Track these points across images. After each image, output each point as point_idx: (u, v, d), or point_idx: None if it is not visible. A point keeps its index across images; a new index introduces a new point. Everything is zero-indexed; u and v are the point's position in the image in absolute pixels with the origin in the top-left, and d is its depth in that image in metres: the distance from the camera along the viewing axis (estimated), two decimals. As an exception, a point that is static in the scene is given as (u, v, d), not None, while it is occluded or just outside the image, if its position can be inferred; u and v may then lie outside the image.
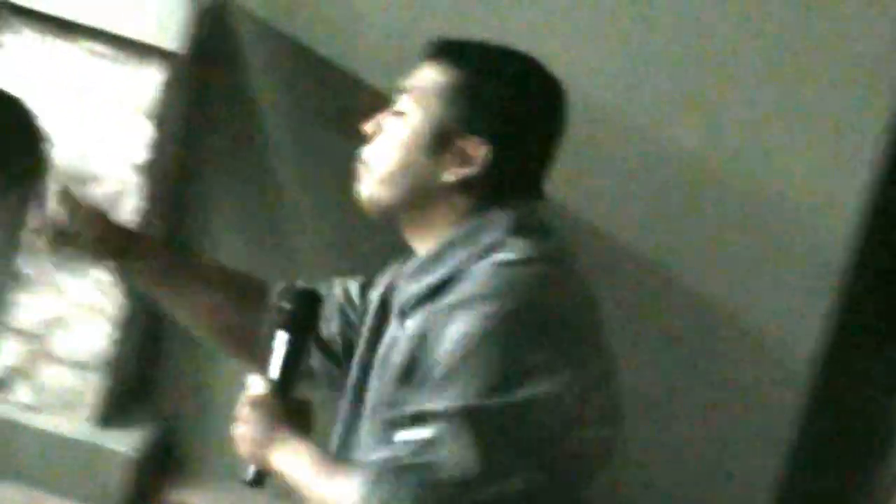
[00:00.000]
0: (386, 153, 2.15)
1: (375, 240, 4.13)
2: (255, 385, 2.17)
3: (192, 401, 4.38)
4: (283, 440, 2.11)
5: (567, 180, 3.75)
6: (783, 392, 4.03)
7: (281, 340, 2.18)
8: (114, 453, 4.01)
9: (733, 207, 3.96)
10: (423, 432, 1.88)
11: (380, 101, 4.01)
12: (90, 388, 4.05)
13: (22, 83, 3.85)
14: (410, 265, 2.18)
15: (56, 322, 4.01)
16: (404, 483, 1.87)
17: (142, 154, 3.90)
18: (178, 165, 4.18)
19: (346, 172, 4.09)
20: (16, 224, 3.85)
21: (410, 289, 2.13)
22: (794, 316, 3.96)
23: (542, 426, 1.91)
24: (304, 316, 2.22)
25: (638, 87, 4.01)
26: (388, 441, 1.94)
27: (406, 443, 1.90)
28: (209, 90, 4.18)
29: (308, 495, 2.06)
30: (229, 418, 4.35)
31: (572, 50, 3.97)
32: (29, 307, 4.00)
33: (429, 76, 2.15)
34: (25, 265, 3.96)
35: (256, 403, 2.15)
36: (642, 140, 4.05)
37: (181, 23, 3.79)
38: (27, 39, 3.85)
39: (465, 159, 2.10)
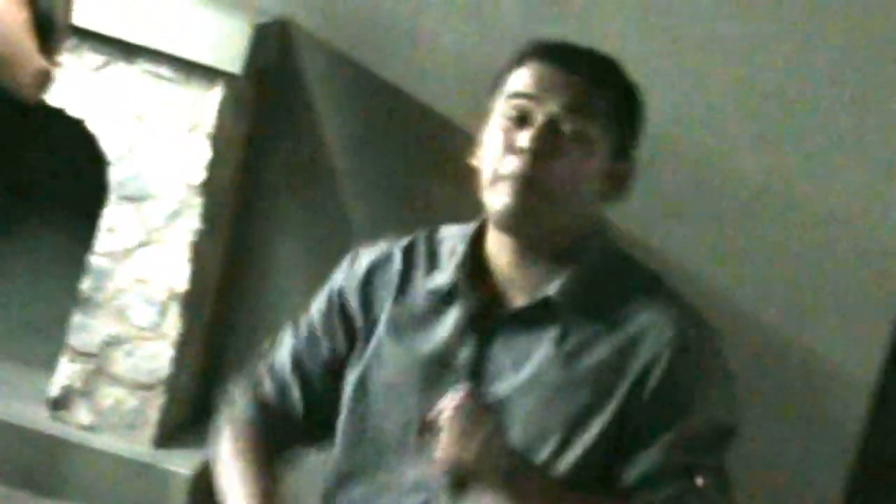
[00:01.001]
0: (570, 179, 2.02)
1: None
2: (452, 398, 2.01)
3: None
4: (521, 465, 2.00)
5: (634, 210, 3.73)
6: (844, 418, 4.00)
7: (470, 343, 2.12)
8: (173, 474, 3.99)
9: (794, 235, 3.96)
10: (698, 481, 1.98)
11: (436, 125, 4.05)
12: (150, 408, 4.05)
13: (83, 105, 3.92)
14: (557, 287, 2.04)
15: (116, 343, 4.03)
16: None
17: (200, 174, 3.93)
18: (237, 186, 4.22)
19: (403, 194, 4.11)
20: (78, 247, 4.02)
21: (569, 304, 2.04)
22: (855, 343, 3.93)
23: None
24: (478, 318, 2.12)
25: (702, 116, 4.03)
26: (667, 478, 1.97)
27: (687, 482, 1.97)
28: (268, 111, 4.20)
29: None
30: None
31: (637, 76, 3.96)
32: (89, 328, 4.02)
33: (593, 96, 2.04)
34: (86, 287, 4.01)
35: (473, 417, 1.98)
36: (705, 167, 4.07)
37: (240, 44, 3.82)
38: (89, 61, 3.90)
39: (617, 182, 2.08)
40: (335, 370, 2.21)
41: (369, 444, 2.12)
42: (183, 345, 4.02)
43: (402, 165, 4.20)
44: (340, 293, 2.26)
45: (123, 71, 3.89)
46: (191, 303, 4.01)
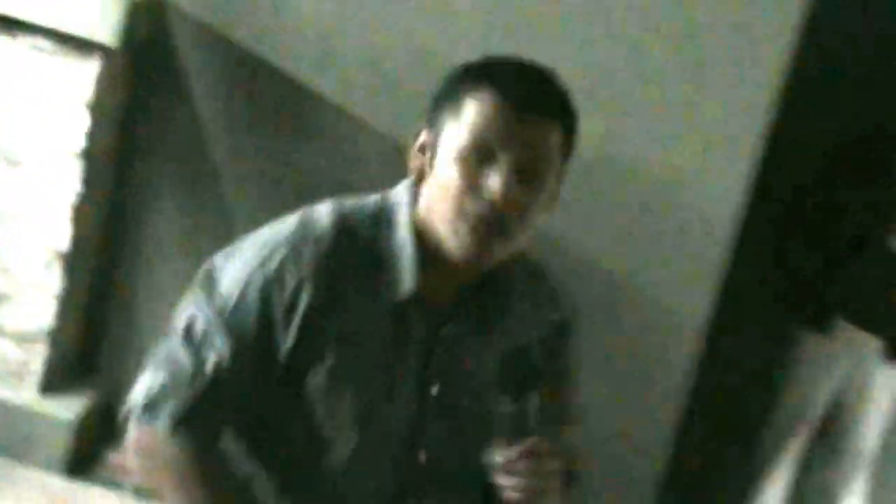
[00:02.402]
0: (528, 218, 2.07)
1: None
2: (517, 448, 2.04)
3: (132, 370, 4.38)
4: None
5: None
6: (677, 354, 4.16)
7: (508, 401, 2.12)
8: (58, 420, 4.05)
9: (633, 193, 4.06)
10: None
11: (303, 97, 4.11)
12: (34, 359, 4.09)
13: None
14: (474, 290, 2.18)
15: (2, 298, 4.06)
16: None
17: (80, 142, 3.96)
18: (114, 153, 4.23)
19: (270, 161, 4.17)
20: None
21: (480, 306, 2.18)
22: (687, 287, 4.07)
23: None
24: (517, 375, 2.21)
25: None
26: None
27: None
28: (144, 82, 4.22)
29: None
30: None
31: (468, 46, 4.04)
32: None
33: (546, 138, 2.08)
34: None
35: (539, 451, 2.04)
36: None
37: (117, 19, 3.83)
38: None
39: (553, 200, 2.15)
40: (271, 361, 2.14)
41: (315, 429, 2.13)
42: (65, 300, 4.07)
43: (269, 135, 4.25)
44: (280, 287, 2.15)
45: (5, 44, 3.90)
46: (72, 261, 4.05)
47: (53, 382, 4.16)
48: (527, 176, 2.03)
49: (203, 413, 2.13)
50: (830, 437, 4.83)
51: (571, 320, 2.28)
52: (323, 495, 2.18)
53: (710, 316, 4.17)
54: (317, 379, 2.12)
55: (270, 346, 2.12)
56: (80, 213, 4.04)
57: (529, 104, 2.05)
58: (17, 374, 4.09)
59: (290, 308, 2.11)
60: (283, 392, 2.15)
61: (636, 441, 4.17)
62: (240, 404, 2.17)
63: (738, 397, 4.93)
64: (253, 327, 2.13)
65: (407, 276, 2.10)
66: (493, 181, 2.01)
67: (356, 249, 2.15)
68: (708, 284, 4.16)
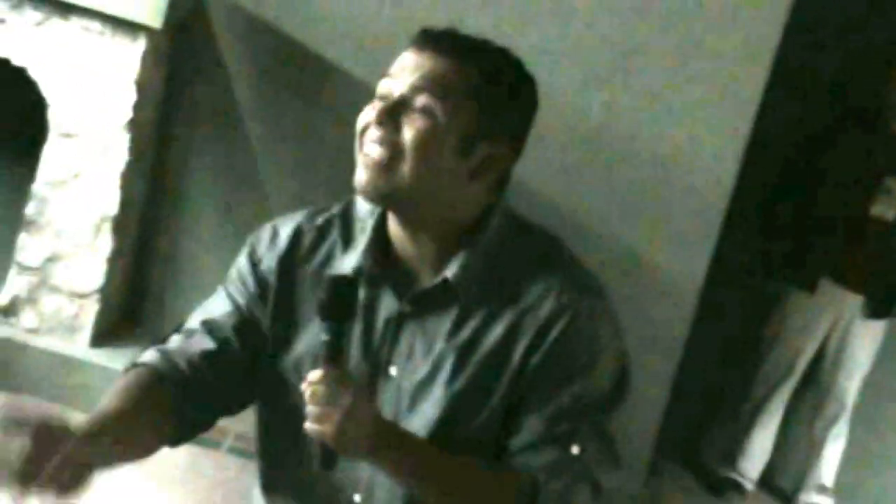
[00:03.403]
0: (412, 151, 1.86)
1: (337, 187, 4.37)
2: (329, 373, 1.82)
3: (174, 324, 4.52)
4: (391, 429, 1.89)
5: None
6: (675, 313, 4.26)
7: (323, 329, 1.86)
8: (106, 370, 4.15)
9: (633, 165, 4.14)
10: (575, 446, 1.93)
11: (330, 74, 4.23)
12: (85, 314, 4.21)
13: (26, 55, 4.06)
14: (454, 271, 1.93)
15: (56, 259, 4.19)
16: (575, 485, 1.92)
17: (126, 114, 4.08)
18: (158, 125, 4.35)
19: (300, 133, 4.31)
20: (22, 177, 4.21)
21: (464, 292, 1.94)
22: (684, 251, 4.17)
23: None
24: (336, 302, 1.86)
25: (542, 59, 4.07)
26: (546, 446, 1.91)
27: (564, 450, 1.92)
28: (184, 59, 4.32)
29: (450, 486, 1.93)
30: None
31: (470, 19, 4.10)
32: (33, 246, 4.18)
33: (447, 75, 1.89)
34: (30, 211, 4.15)
35: (339, 383, 1.80)
36: (549, 105, 4.23)
37: (160, 3, 3.95)
38: (30, 17, 4.02)
39: (489, 162, 1.91)
40: (244, 333, 2.03)
41: (291, 420, 1.92)
42: (113, 260, 4.21)
43: (298, 108, 4.33)
44: (256, 264, 2.07)
45: (60, 26, 4.02)
46: (120, 224, 4.18)
47: (103, 335, 4.28)
48: (414, 110, 1.87)
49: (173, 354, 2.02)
50: (815, 387, 5.01)
51: (564, 317, 1.91)
52: (303, 489, 2.06)
53: (705, 277, 4.27)
54: (286, 364, 2.03)
55: (255, 319, 2.05)
56: (127, 181, 4.16)
57: (431, 44, 1.92)
58: (70, 328, 4.21)
59: (264, 287, 2.05)
60: (264, 376, 2.06)
61: (637, 394, 4.33)
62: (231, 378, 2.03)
63: (730, 351, 5.06)
64: (239, 299, 2.07)
65: (359, 252, 2.00)
66: (371, 111, 1.90)
67: (333, 232, 2.07)
68: (703, 249, 4.25)
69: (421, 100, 1.87)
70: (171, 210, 4.49)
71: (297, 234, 2.06)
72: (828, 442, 5.00)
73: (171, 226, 4.50)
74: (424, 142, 1.86)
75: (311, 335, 1.99)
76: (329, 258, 2.03)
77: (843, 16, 4.92)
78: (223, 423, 4.01)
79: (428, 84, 1.88)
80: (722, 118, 4.17)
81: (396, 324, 1.96)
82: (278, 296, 2.03)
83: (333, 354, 1.83)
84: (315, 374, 1.80)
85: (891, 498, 5.29)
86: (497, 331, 1.92)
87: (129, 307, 4.52)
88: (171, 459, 3.90)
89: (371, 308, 1.98)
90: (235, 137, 4.39)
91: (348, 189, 4.55)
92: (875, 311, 4.83)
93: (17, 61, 4.07)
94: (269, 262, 2.05)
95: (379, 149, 1.87)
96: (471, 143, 1.89)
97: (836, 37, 4.93)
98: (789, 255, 4.84)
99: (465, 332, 1.93)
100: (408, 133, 1.86)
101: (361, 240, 2.00)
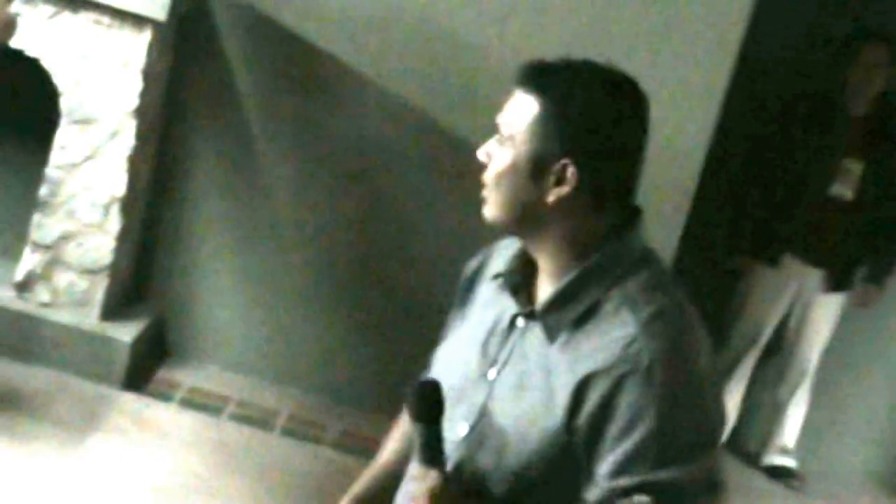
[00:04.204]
0: (496, 180, 1.93)
1: (333, 171, 4.47)
2: (428, 476, 1.89)
3: (179, 299, 4.64)
4: None
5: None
6: None
7: (418, 431, 1.92)
8: (116, 341, 4.27)
9: None
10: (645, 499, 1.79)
11: (323, 63, 4.34)
12: (96, 289, 4.29)
13: (39, 47, 4.13)
14: (548, 294, 1.93)
15: (68, 237, 4.26)
16: None
17: (133, 102, 4.16)
18: (163, 111, 4.43)
19: (298, 119, 4.42)
20: (36, 161, 4.29)
21: (553, 318, 1.91)
22: (657, 228, 4.08)
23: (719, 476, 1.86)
24: (424, 412, 1.92)
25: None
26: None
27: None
28: (187, 50, 4.41)
29: None
30: (209, 314, 4.55)
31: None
32: (47, 226, 4.26)
33: (521, 107, 1.91)
34: (44, 193, 4.23)
35: (435, 493, 1.88)
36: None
37: None
38: (43, 11, 4.10)
39: (560, 180, 1.88)
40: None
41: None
42: (122, 238, 4.29)
43: (293, 95, 4.43)
44: (462, 283, 2.18)
45: (71, 19, 4.10)
46: (127, 205, 4.27)
47: (112, 309, 4.36)
48: (500, 140, 1.94)
49: None
50: (779, 355, 5.16)
51: (637, 375, 1.81)
52: None
53: (676, 253, 4.37)
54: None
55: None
56: (134, 164, 4.24)
57: (517, 78, 1.96)
58: (82, 303, 4.29)
59: (461, 302, 2.16)
60: None
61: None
62: None
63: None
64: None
65: (508, 259, 2.04)
66: None
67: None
68: (674, 227, 4.36)
69: (499, 135, 1.94)
70: (175, 191, 4.56)
71: (493, 249, 2.15)
72: (790, 407, 5.13)
73: (176, 206, 4.58)
74: (497, 174, 1.93)
75: (461, 331, 2.10)
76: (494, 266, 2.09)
77: (805, 3, 5.02)
78: (274, 405, 4.14)
79: (505, 118, 1.94)
80: (691, 104, 4.27)
81: (507, 330, 1.98)
82: (464, 307, 2.14)
83: (429, 456, 1.90)
84: (418, 472, 1.91)
85: (848, 458, 5.43)
86: (563, 366, 1.88)
87: (137, 283, 4.61)
88: (218, 440, 4.17)
89: (500, 310, 2.01)
90: (236, 123, 4.47)
91: (340, 173, 4.66)
92: (835, 284, 4.97)
93: (31, 52, 4.13)
94: (463, 277, 2.19)
95: (483, 181, 1.96)
96: (542, 166, 1.89)
97: (797, 24, 5.02)
98: (755, 232, 4.95)
99: (541, 356, 1.91)
100: (489, 169, 1.95)
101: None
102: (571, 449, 1.84)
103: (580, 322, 1.88)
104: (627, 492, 1.78)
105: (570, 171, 1.87)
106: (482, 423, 1.95)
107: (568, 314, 1.90)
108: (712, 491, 1.83)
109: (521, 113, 1.92)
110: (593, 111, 1.90)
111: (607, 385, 1.81)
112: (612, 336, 1.84)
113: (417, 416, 1.92)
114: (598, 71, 1.96)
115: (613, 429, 1.80)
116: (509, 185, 1.92)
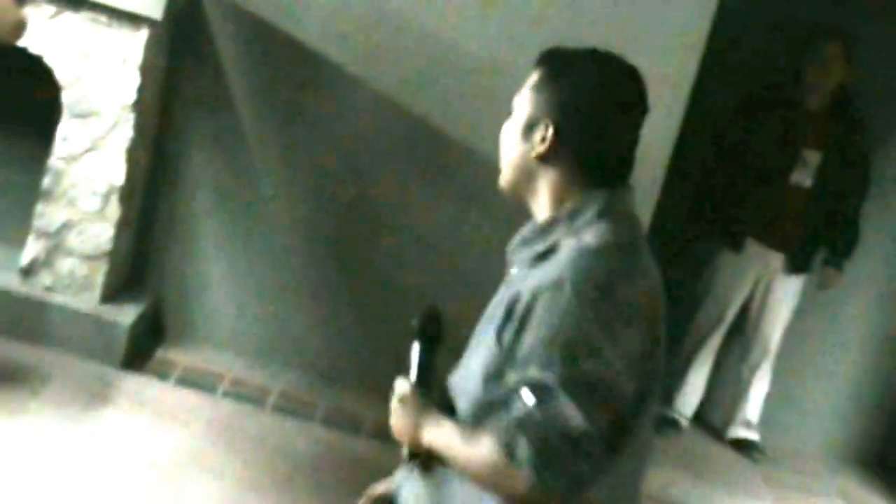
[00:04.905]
0: (503, 148, 2.07)
1: (321, 162, 4.52)
2: (400, 386, 2.09)
3: (175, 283, 4.70)
4: (429, 423, 2.04)
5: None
6: None
7: (414, 350, 2.12)
8: (115, 323, 4.31)
9: None
10: (536, 398, 1.86)
11: (311, 59, 4.37)
12: (96, 274, 4.34)
13: (42, 44, 4.18)
14: (527, 231, 2.06)
15: (70, 225, 4.31)
16: (537, 437, 1.85)
17: (131, 96, 4.21)
18: (159, 105, 4.48)
19: (286, 109, 4.47)
20: (39, 153, 4.34)
21: (523, 254, 2.04)
22: None
23: (611, 393, 1.88)
24: (427, 328, 2.13)
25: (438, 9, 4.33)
26: (512, 403, 1.88)
27: (530, 406, 1.86)
28: (181, 48, 4.46)
29: (460, 459, 1.98)
30: (203, 297, 4.60)
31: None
32: (50, 214, 4.31)
33: (528, 81, 2.06)
34: (47, 183, 4.27)
35: (402, 399, 2.07)
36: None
37: None
38: (45, 11, 4.15)
39: (543, 139, 1.99)
40: None
41: None
42: (121, 226, 4.34)
43: (282, 90, 4.49)
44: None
45: (71, 18, 4.14)
46: (126, 194, 4.32)
47: (112, 293, 4.42)
48: (510, 115, 2.08)
49: None
50: (742, 334, 5.24)
51: (552, 291, 1.90)
52: None
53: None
54: None
55: None
56: (132, 155, 4.29)
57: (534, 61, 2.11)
58: (83, 287, 4.34)
59: None
60: None
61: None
62: None
63: (667, 303, 5.21)
64: None
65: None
66: None
67: None
68: (644, 212, 4.30)
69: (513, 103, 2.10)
70: (171, 182, 4.61)
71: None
72: (753, 383, 5.22)
73: (171, 196, 4.62)
74: (503, 137, 2.08)
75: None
76: None
77: (766, 3, 5.10)
78: (266, 383, 4.13)
79: (518, 95, 2.09)
80: (658, 99, 4.15)
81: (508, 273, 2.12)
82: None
83: (420, 377, 2.11)
84: (403, 389, 2.09)
85: (806, 431, 5.52)
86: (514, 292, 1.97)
87: (135, 268, 4.65)
88: (212, 417, 4.18)
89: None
90: (228, 116, 4.52)
91: (329, 164, 4.66)
92: (795, 267, 5.06)
93: (34, 50, 4.18)
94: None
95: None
96: (530, 128, 2.02)
97: (761, 18, 5.10)
98: (719, 219, 5.04)
99: (504, 294, 2.04)
100: (503, 137, 2.10)
101: None
102: (500, 360, 1.95)
103: (538, 260, 1.99)
104: (517, 389, 1.88)
105: (550, 131, 1.99)
106: (465, 354, 2.10)
107: (529, 252, 2.02)
108: (610, 431, 1.87)
109: (526, 85, 2.06)
110: (579, 81, 2.01)
111: (529, 299, 1.91)
112: (549, 268, 1.94)
113: (418, 332, 2.09)
114: (600, 53, 2.07)
115: (525, 336, 1.90)
116: (509, 147, 2.06)
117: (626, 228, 2.00)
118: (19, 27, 3.50)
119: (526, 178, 2.05)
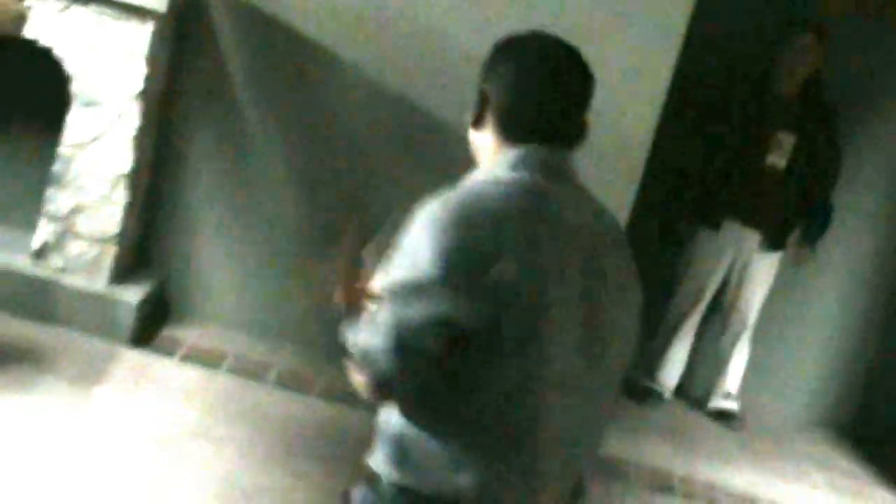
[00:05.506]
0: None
1: (320, 147, 4.57)
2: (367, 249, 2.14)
3: (180, 264, 4.75)
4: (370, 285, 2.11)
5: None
6: None
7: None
8: (123, 303, 4.35)
9: None
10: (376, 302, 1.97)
11: (308, 51, 4.40)
12: (105, 256, 4.38)
13: (52, 37, 4.22)
14: None
15: (79, 209, 4.35)
16: (355, 338, 2.00)
17: (138, 86, 4.26)
18: (164, 95, 4.52)
19: (288, 102, 4.50)
20: (50, 141, 4.38)
21: None
22: (611, 198, 3.90)
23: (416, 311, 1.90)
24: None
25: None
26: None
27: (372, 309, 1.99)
28: (185, 39, 4.50)
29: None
30: (207, 277, 4.66)
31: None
32: (60, 199, 4.35)
33: None
34: (57, 169, 4.31)
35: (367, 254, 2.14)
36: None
37: None
38: (54, 5, 4.19)
39: (477, 106, 2.09)
40: None
41: None
42: (128, 210, 4.38)
43: (281, 81, 4.52)
44: None
45: (80, 11, 4.19)
46: (133, 179, 4.36)
47: (120, 274, 4.45)
48: None
49: None
50: (721, 310, 5.31)
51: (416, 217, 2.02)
52: None
53: (628, 219, 4.48)
54: None
55: None
56: (139, 142, 4.34)
57: None
58: (92, 268, 4.38)
59: None
60: None
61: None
62: None
63: (649, 280, 5.15)
64: None
65: None
66: None
67: None
68: (627, 196, 4.47)
69: None
70: (176, 167, 4.64)
71: None
72: (732, 356, 5.29)
73: (176, 180, 4.66)
74: (469, 124, 2.15)
75: None
76: None
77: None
78: (267, 359, 4.00)
79: None
80: (644, 79, 4.36)
81: None
82: None
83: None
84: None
85: (783, 401, 5.58)
86: None
87: (142, 249, 4.69)
88: (216, 391, 4.23)
89: None
90: (230, 104, 4.56)
91: (327, 148, 4.64)
92: (770, 245, 5.13)
93: (44, 42, 4.22)
94: None
95: None
96: (479, 95, 2.10)
97: (733, 12, 5.15)
98: (698, 199, 5.09)
99: None
100: None
101: None
102: None
103: None
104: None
105: (478, 98, 2.09)
106: None
107: None
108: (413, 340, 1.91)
109: None
110: (504, 52, 2.09)
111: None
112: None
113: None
114: (536, 33, 2.13)
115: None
116: (470, 118, 2.12)
117: (533, 176, 2.01)
118: (20, 19, 3.54)
119: (475, 148, 2.12)
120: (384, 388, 1.99)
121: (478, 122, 2.10)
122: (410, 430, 2.00)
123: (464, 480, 1.95)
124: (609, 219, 2.13)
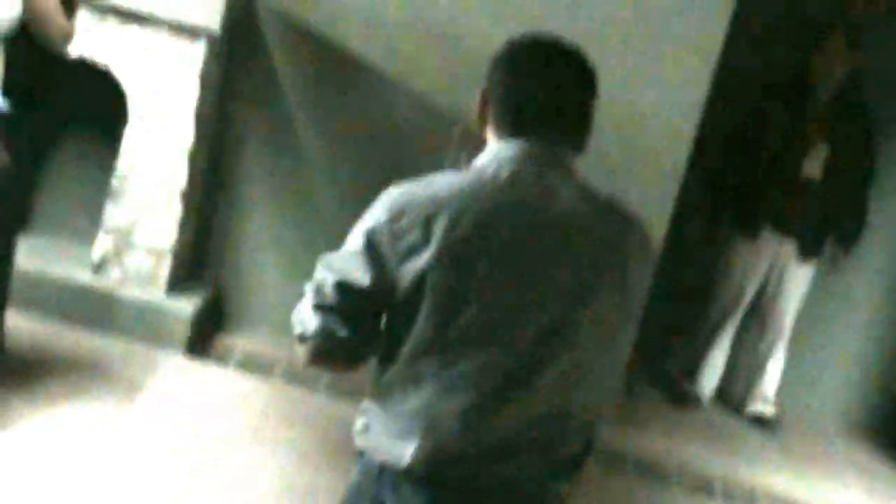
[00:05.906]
0: None
1: (365, 158, 4.61)
2: None
3: (233, 274, 4.79)
4: None
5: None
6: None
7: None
8: (179, 312, 4.40)
9: (603, 129, 3.94)
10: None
11: (354, 63, 4.44)
12: (161, 268, 4.44)
13: (108, 56, 4.29)
14: None
15: (137, 222, 4.42)
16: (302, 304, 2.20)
17: (192, 103, 4.31)
18: (217, 111, 4.56)
19: (335, 115, 4.52)
20: (108, 157, 4.44)
21: None
22: (650, 206, 4.14)
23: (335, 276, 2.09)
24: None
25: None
26: None
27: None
28: (236, 57, 4.54)
29: None
30: (260, 286, 4.71)
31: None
32: (118, 212, 4.41)
33: None
34: (115, 183, 4.37)
35: None
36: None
37: (218, 10, 4.20)
38: (110, 26, 4.27)
39: (479, 103, 2.18)
40: None
41: None
42: (182, 223, 4.44)
43: (330, 93, 4.55)
44: None
45: (136, 32, 4.26)
46: (187, 193, 4.41)
47: (175, 285, 4.51)
48: None
49: None
50: (758, 316, 5.30)
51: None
52: None
53: (668, 228, 4.47)
54: None
55: None
56: (193, 158, 4.40)
57: None
58: (149, 280, 4.44)
59: None
60: None
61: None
62: None
63: (689, 288, 5.28)
64: None
65: None
66: None
67: None
68: (667, 204, 4.45)
69: None
70: (228, 180, 4.69)
71: None
72: (770, 361, 5.29)
73: (228, 193, 4.70)
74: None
75: None
76: None
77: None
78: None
79: None
80: (682, 89, 4.36)
81: None
82: None
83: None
84: None
85: (820, 406, 5.58)
86: None
87: (196, 261, 4.73)
88: (269, 397, 4.27)
89: None
90: (279, 119, 4.59)
91: (372, 159, 4.59)
92: (806, 253, 5.12)
93: (101, 62, 4.29)
94: None
95: None
96: (483, 92, 2.19)
97: (776, 15, 5.15)
98: (736, 208, 5.09)
99: None
100: None
101: None
102: None
103: None
104: None
105: (484, 94, 2.17)
106: None
107: None
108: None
109: None
110: (507, 55, 2.17)
111: None
112: None
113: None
114: (540, 37, 2.20)
115: None
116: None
117: (510, 166, 2.08)
118: (67, 36, 3.59)
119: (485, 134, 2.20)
120: (311, 348, 2.16)
121: (481, 121, 2.18)
122: (369, 402, 2.17)
123: (406, 449, 2.08)
124: (608, 217, 2.16)
